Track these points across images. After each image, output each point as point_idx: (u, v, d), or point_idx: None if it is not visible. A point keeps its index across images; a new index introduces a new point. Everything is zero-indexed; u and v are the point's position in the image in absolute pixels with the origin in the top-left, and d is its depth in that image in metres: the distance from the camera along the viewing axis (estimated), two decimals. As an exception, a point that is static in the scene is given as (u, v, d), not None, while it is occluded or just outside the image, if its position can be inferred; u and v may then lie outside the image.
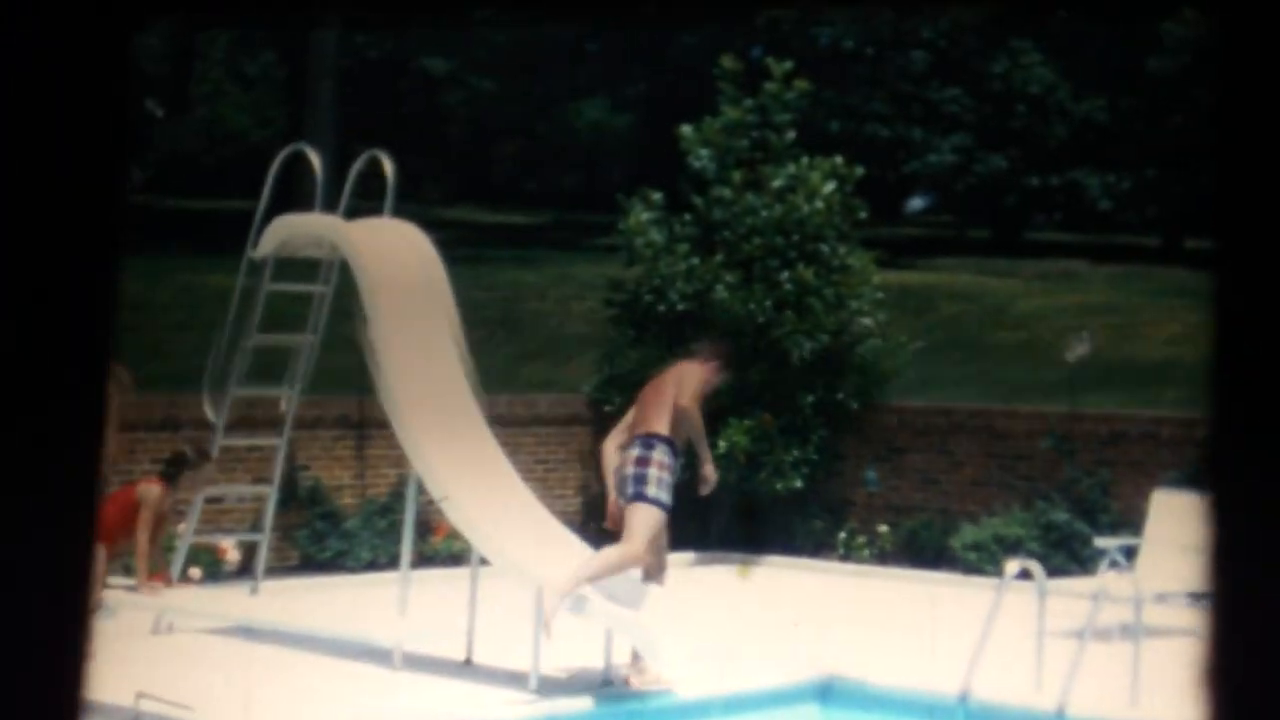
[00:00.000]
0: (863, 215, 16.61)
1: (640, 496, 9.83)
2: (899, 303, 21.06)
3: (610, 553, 9.93)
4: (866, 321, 16.22)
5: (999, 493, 15.35)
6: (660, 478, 9.89)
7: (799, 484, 15.76)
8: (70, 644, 1.30)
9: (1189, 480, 14.06)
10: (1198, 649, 1.28)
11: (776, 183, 16.28)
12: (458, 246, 18.17)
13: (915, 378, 17.86)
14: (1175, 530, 11.95)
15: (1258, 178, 1.24)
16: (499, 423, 13.43)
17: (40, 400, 1.29)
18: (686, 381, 10.19)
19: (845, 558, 15.51)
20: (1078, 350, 15.44)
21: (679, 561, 15.41)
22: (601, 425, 16.33)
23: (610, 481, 10.09)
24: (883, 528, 15.59)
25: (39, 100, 1.29)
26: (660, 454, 9.93)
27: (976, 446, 15.55)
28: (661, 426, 9.99)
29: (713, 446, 15.85)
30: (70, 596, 1.30)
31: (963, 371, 19.78)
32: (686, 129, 16.76)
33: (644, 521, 9.83)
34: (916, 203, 40.64)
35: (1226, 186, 1.26)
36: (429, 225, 11.98)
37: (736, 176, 16.33)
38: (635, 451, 9.95)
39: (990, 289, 25.25)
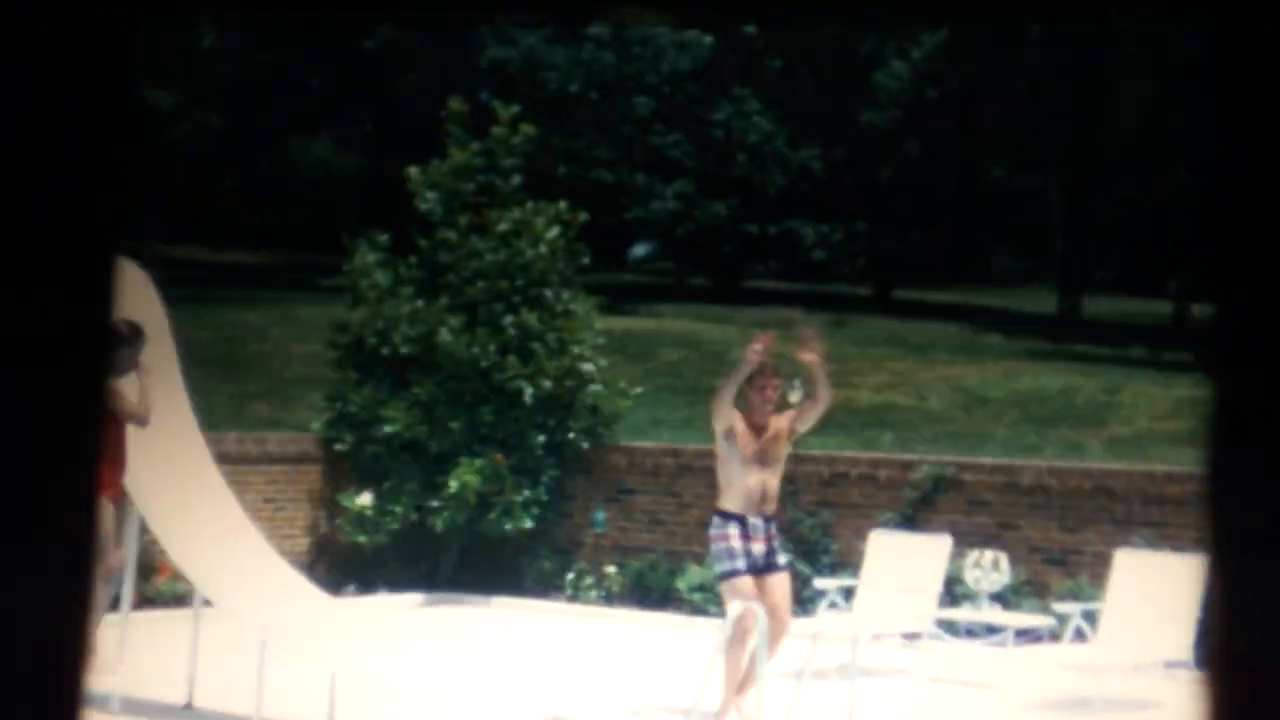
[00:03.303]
0: (586, 261, 16.71)
1: (780, 566, 10.40)
2: (621, 348, 21.16)
3: (779, 631, 10.29)
4: (588, 367, 16.29)
5: (722, 534, 15.49)
6: None
7: (529, 524, 15.74)
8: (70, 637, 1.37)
9: (904, 521, 14.37)
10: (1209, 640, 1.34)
11: (502, 227, 16.29)
12: (180, 286, 17.80)
13: (645, 419, 17.96)
14: (891, 571, 12.17)
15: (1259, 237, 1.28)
16: (226, 460, 13.16)
17: (38, 392, 1.35)
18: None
19: (573, 599, 15.52)
20: (795, 395, 15.66)
21: (407, 603, 15.27)
22: (332, 464, 16.12)
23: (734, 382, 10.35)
24: (610, 569, 15.64)
25: (37, 99, 1.33)
26: (776, 529, 10.49)
27: (703, 487, 15.65)
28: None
29: (443, 486, 15.87)
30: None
31: (690, 414, 19.93)
32: (413, 170, 16.69)
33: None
34: (639, 249, 41.02)
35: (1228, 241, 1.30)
36: (150, 264, 11.71)
37: (463, 220, 16.30)
38: (761, 532, 10.24)
39: (709, 336, 25.55)
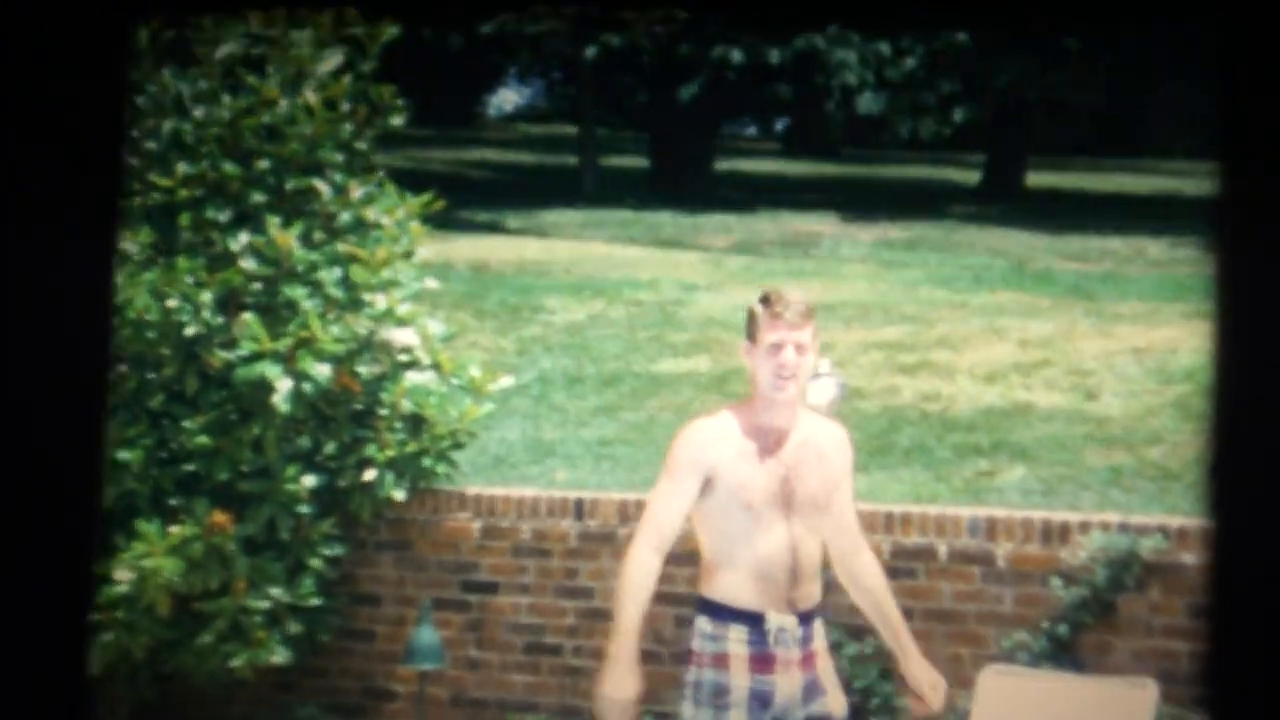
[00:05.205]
0: (399, 122, 16.70)
1: None
2: (471, 298, 21.17)
3: None
4: (405, 335, 16.20)
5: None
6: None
7: (280, 656, 15.64)
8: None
9: (1053, 648, 14.32)
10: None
11: (226, 48, 16.24)
12: None
13: (520, 441, 17.92)
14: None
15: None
16: None
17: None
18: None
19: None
20: (820, 393, 15.64)
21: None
22: None
23: (628, 627, 9.95)
24: (446, 745, 15.68)
25: (37, 93, 2.30)
26: (824, 638, 10.33)
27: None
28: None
29: (106, 580, 15.75)
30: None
31: (610, 429, 19.85)
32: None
33: None
34: (506, 97, 40.94)
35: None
36: None
37: (144, 36, 16.23)
38: (796, 647, 10.07)
39: (646, 271, 25.58)
